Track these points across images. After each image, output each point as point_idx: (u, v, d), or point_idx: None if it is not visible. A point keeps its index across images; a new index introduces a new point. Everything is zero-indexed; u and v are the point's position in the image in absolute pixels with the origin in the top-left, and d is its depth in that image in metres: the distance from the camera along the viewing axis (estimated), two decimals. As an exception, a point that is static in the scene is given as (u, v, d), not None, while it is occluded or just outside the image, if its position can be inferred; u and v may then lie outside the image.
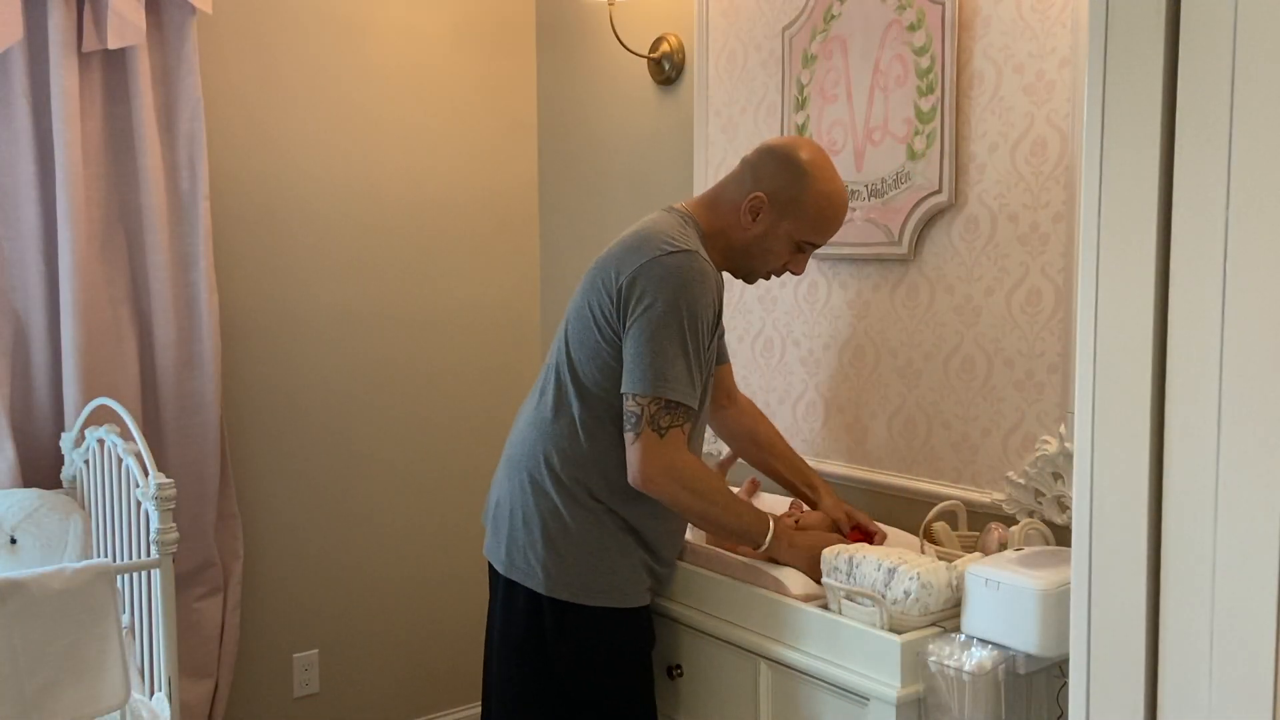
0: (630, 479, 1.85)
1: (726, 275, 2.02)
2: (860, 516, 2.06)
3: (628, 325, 1.84)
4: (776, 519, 1.92)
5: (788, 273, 2.02)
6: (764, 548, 1.89)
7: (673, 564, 2.02)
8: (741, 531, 1.90)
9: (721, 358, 2.13)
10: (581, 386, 1.91)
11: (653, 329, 1.81)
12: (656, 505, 1.90)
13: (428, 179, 3.02)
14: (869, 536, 2.01)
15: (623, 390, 1.85)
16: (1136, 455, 1.06)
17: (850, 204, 2.25)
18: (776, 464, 2.19)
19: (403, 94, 2.96)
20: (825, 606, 1.80)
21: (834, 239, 2.29)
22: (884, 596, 1.70)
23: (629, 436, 1.84)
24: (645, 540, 1.94)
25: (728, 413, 2.22)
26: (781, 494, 2.25)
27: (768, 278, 2.04)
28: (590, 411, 1.91)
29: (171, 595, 2.04)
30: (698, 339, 1.84)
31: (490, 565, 2.06)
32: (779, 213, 1.92)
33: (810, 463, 2.36)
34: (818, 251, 2.32)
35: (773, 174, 1.92)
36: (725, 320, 2.56)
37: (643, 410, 1.81)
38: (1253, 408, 0.97)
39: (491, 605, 2.08)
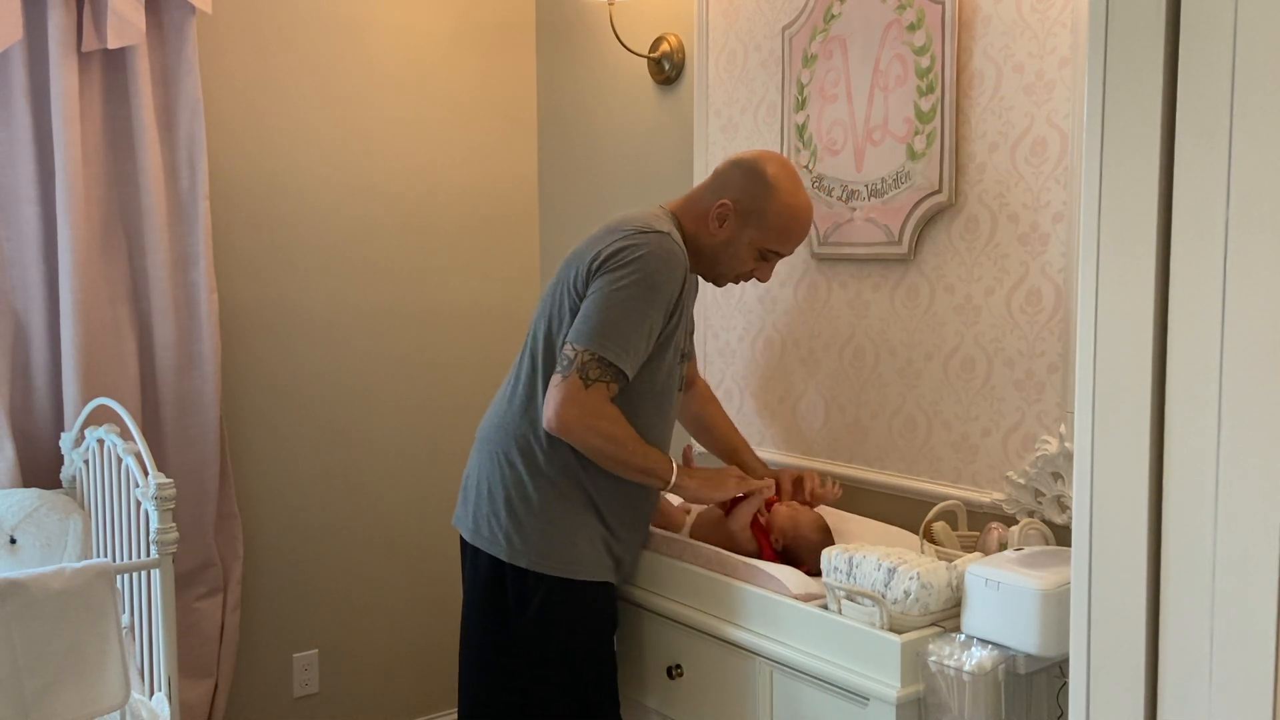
0: (545, 421, 1.92)
1: (702, 282, 2.14)
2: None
3: (589, 287, 1.92)
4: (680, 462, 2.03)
5: (754, 279, 2.12)
6: (671, 484, 1.98)
7: (634, 546, 2.07)
8: (649, 471, 1.97)
9: (687, 354, 2.16)
10: (550, 361, 1.97)
11: (611, 292, 1.90)
12: (622, 484, 1.97)
13: (427, 178, 3.02)
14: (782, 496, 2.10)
15: (565, 338, 1.92)
16: (1136, 455, 1.06)
17: (850, 203, 2.26)
18: (717, 443, 2.32)
19: (403, 93, 2.96)
20: (825, 606, 1.80)
21: (835, 238, 2.30)
22: (884, 596, 1.70)
23: (555, 379, 1.91)
24: (605, 518, 1.99)
25: (683, 395, 2.29)
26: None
27: (736, 281, 2.13)
28: None
29: (171, 595, 2.04)
30: (650, 312, 1.91)
31: (461, 536, 2.12)
32: (743, 221, 2.02)
33: (810, 462, 2.39)
34: (817, 251, 2.34)
35: (739, 184, 2.02)
36: (724, 318, 2.58)
37: (576, 357, 1.89)
38: (1253, 407, 0.97)
39: (463, 573, 2.15)
